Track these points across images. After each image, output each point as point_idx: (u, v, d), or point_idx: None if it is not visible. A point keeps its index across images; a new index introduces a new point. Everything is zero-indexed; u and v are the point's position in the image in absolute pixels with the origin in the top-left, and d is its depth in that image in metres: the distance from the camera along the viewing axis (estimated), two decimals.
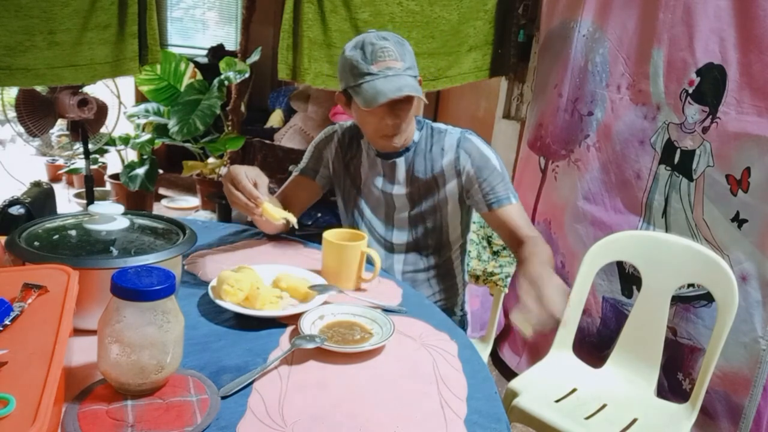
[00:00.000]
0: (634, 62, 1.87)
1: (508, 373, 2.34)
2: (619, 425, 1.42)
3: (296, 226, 1.23)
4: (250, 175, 1.19)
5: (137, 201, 3.82)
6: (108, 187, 4.06)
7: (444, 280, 1.52)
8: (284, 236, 1.48)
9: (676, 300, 1.69)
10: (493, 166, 1.36)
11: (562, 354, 1.66)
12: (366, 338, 0.99)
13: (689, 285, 1.67)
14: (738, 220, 1.58)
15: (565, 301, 1.01)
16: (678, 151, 1.75)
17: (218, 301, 1.03)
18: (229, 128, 3.81)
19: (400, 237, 1.46)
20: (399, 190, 1.43)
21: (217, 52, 4.35)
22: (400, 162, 1.42)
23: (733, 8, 1.57)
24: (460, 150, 1.38)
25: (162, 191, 4.42)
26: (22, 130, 2.55)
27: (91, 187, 2.74)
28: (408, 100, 1.28)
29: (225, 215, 3.79)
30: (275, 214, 1.19)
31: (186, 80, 3.83)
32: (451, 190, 1.40)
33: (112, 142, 3.63)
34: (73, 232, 1.00)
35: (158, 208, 4.10)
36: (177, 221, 1.11)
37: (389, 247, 1.48)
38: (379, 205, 1.47)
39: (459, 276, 1.56)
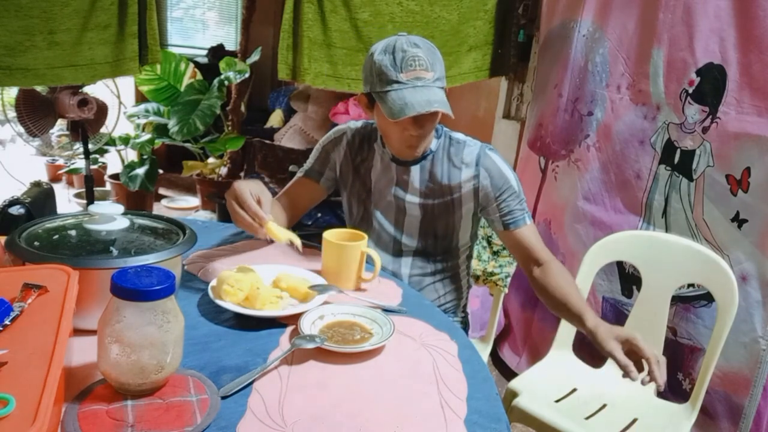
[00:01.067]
0: (634, 62, 1.87)
1: (508, 373, 2.34)
2: (619, 425, 1.42)
3: (300, 249, 1.21)
4: (254, 192, 1.16)
5: (137, 201, 3.82)
6: (108, 187, 4.06)
7: (449, 284, 1.52)
8: None
9: (676, 300, 1.69)
10: (512, 187, 1.36)
11: (562, 354, 1.66)
12: (366, 338, 0.99)
13: (689, 285, 1.67)
14: (738, 220, 1.58)
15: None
16: (678, 151, 1.75)
17: (218, 301, 1.03)
18: (229, 128, 3.81)
19: (408, 242, 1.46)
20: (412, 197, 1.42)
21: (217, 52, 4.35)
22: (415, 170, 1.40)
23: (733, 8, 1.57)
24: (479, 168, 1.36)
25: (162, 191, 4.42)
26: (22, 130, 2.55)
27: (91, 187, 2.74)
28: (434, 112, 1.25)
29: (225, 215, 3.76)
30: (280, 235, 1.16)
31: (186, 80, 3.83)
32: (467, 206, 1.40)
33: (112, 142, 3.63)
34: (73, 232, 1.00)
35: (158, 208, 4.10)
36: (177, 221, 1.11)
37: (397, 251, 1.47)
38: (389, 210, 1.46)
39: (464, 280, 1.56)
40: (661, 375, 1.06)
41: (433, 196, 1.40)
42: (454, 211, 1.41)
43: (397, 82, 1.22)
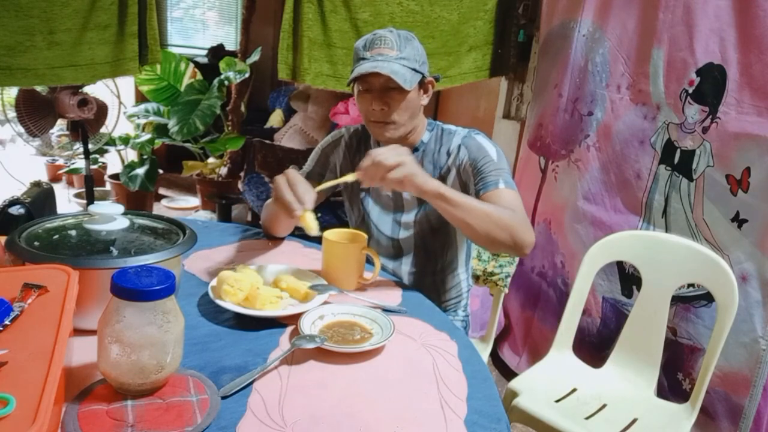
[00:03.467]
0: (634, 62, 1.87)
1: (508, 373, 2.34)
2: (619, 425, 1.42)
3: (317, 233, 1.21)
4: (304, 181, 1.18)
5: (137, 201, 3.82)
6: (108, 187, 4.06)
7: (449, 283, 1.52)
8: (284, 236, 1.48)
9: (676, 300, 1.69)
10: (489, 157, 1.33)
11: (562, 354, 1.66)
12: (366, 338, 0.99)
13: (689, 285, 1.67)
14: (738, 220, 1.58)
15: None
16: (678, 151, 1.75)
17: (218, 301, 1.03)
18: (229, 128, 3.81)
19: (407, 239, 1.46)
20: (407, 191, 1.42)
21: (217, 52, 4.35)
22: None
23: (733, 8, 1.57)
24: (461, 147, 1.38)
25: (162, 191, 4.42)
26: (22, 130, 2.55)
27: (91, 187, 2.74)
28: (399, 89, 1.29)
29: (225, 215, 3.79)
30: (312, 226, 1.15)
31: (186, 80, 3.83)
32: (452, 187, 1.40)
33: (112, 142, 3.63)
34: (73, 232, 1.00)
35: (158, 208, 4.10)
36: (177, 221, 1.11)
37: (397, 249, 1.48)
38: (386, 207, 1.47)
39: (464, 279, 1.56)
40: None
41: None
42: None
43: (363, 59, 1.30)
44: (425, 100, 1.39)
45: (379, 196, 1.47)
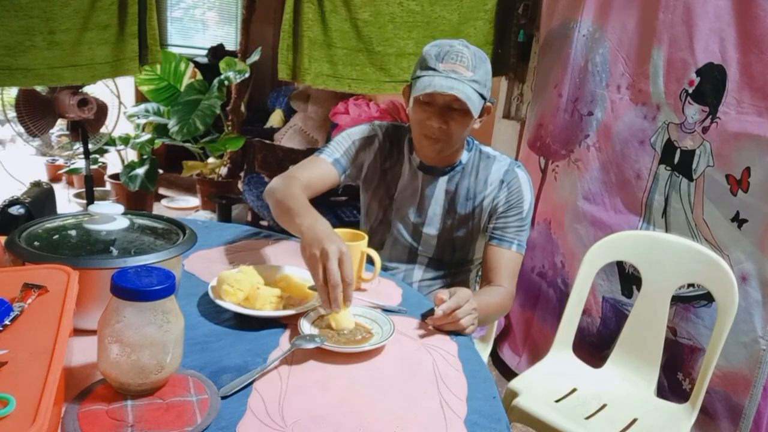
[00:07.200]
0: (634, 62, 1.87)
1: (508, 373, 2.33)
2: (619, 425, 1.42)
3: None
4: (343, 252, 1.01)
5: (137, 201, 3.82)
6: (108, 187, 4.06)
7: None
8: (284, 236, 1.48)
9: (676, 300, 1.69)
10: (522, 210, 1.36)
11: (562, 354, 1.66)
12: (366, 338, 0.99)
13: (689, 285, 1.67)
14: (738, 220, 1.58)
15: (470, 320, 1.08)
16: (678, 151, 1.75)
17: (218, 301, 1.03)
18: (229, 128, 3.81)
19: (425, 249, 1.46)
20: (434, 208, 1.41)
21: (217, 52, 4.35)
22: (442, 180, 1.40)
23: (733, 8, 1.57)
24: (503, 183, 1.37)
25: (162, 191, 4.41)
26: (22, 130, 2.55)
27: (91, 187, 2.74)
28: (462, 111, 1.25)
29: (225, 215, 3.79)
30: (343, 325, 1.00)
31: (186, 80, 3.83)
32: (484, 219, 1.41)
33: (112, 142, 3.63)
34: (73, 232, 1.00)
35: (158, 208, 4.10)
36: (177, 221, 1.11)
37: (413, 255, 1.47)
38: (408, 217, 1.45)
39: (473, 286, 1.56)
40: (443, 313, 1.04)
41: (456, 209, 1.40)
42: (473, 225, 1.41)
43: (434, 69, 1.24)
44: (478, 124, 1.35)
45: (402, 206, 1.46)
